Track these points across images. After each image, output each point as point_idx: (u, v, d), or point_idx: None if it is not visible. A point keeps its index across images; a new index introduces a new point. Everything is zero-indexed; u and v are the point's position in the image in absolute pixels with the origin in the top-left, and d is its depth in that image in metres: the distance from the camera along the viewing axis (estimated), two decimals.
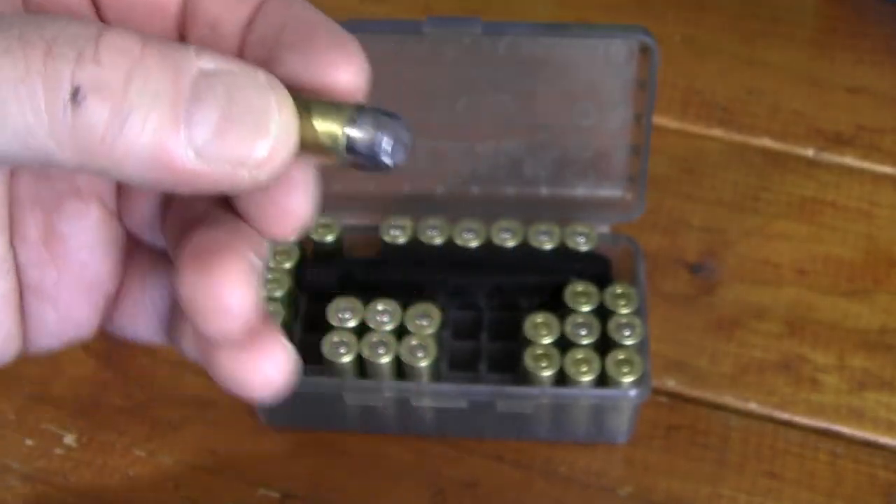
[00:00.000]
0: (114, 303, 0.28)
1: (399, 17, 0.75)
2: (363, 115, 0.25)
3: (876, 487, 0.52)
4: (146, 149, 0.22)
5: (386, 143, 0.25)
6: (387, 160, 0.25)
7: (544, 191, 0.59)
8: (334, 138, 0.25)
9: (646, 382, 0.51)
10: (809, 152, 0.68)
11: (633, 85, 0.55)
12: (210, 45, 0.26)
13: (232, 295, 0.24)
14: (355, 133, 0.25)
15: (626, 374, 0.51)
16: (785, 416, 0.55)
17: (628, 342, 0.52)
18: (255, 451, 0.54)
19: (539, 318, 0.53)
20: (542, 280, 0.55)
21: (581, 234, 0.57)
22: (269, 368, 0.27)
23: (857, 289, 0.60)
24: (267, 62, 0.25)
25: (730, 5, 0.77)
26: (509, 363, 0.54)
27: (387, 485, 0.53)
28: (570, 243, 0.57)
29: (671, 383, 0.56)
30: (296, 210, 0.26)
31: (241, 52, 0.26)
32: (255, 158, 0.23)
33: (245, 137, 0.23)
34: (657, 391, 0.56)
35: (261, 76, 0.24)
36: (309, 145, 0.25)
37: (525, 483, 0.52)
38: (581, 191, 0.59)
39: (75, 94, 0.22)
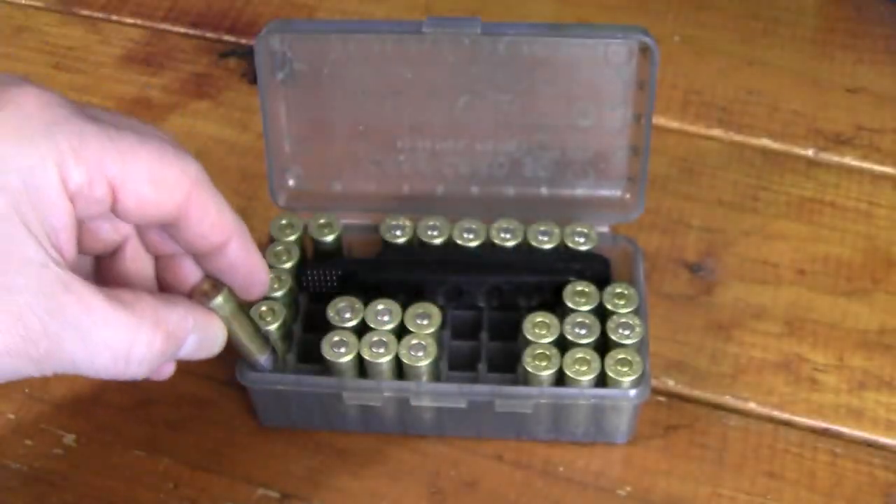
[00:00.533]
0: None
1: (399, 17, 0.75)
2: (271, 354, 0.50)
3: (875, 487, 0.52)
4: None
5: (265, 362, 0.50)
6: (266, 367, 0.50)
7: (544, 191, 0.59)
8: (251, 355, 0.48)
9: (645, 382, 0.51)
10: (809, 152, 0.68)
11: (633, 85, 0.55)
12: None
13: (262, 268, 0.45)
14: (262, 359, 0.50)
15: (625, 373, 0.51)
16: (784, 415, 0.55)
17: (628, 342, 0.52)
18: (255, 451, 0.54)
19: (539, 317, 0.53)
20: (542, 280, 0.55)
21: (581, 234, 0.57)
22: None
23: (856, 289, 0.60)
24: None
25: (730, 5, 0.77)
26: (509, 363, 0.54)
27: (386, 485, 0.53)
28: (570, 243, 0.57)
29: (670, 383, 0.56)
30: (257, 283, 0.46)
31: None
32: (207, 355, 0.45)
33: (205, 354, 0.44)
34: (656, 391, 0.56)
35: (219, 327, 0.44)
36: (239, 336, 0.47)
37: (524, 483, 0.53)
38: (581, 191, 0.59)
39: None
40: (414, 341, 0.52)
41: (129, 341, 0.38)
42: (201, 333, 0.42)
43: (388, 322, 0.52)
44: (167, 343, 0.39)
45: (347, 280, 0.55)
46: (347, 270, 0.55)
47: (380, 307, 0.53)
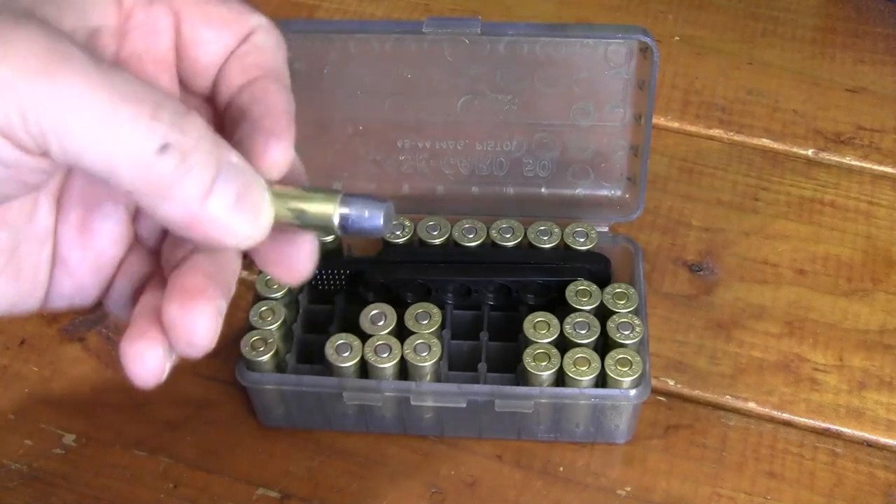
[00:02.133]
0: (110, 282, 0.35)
1: (399, 17, 0.75)
2: (349, 199, 0.33)
3: (875, 487, 0.52)
4: (186, 199, 0.29)
5: (370, 216, 0.33)
6: (374, 225, 0.32)
7: (544, 191, 0.59)
8: (327, 218, 0.32)
9: (645, 382, 0.51)
10: (809, 152, 0.68)
11: (633, 85, 0.55)
12: (193, 70, 0.35)
13: (201, 335, 0.31)
14: (345, 211, 0.32)
15: (625, 373, 0.51)
16: (784, 415, 0.55)
17: (628, 342, 0.52)
18: (255, 451, 0.54)
19: (539, 317, 0.53)
20: (542, 279, 0.55)
21: (581, 233, 0.57)
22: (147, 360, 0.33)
23: (856, 288, 0.60)
24: (228, 109, 0.34)
25: (730, 5, 0.77)
26: (509, 363, 0.54)
27: (386, 485, 0.53)
28: (570, 243, 0.57)
29: (670, 383, 0.56)
30: (299, 267, 0.34)
31: (216, 82, 0.35)
32: (242, 237, 0.31)
33: (243, 222, 0.30)
34: (656, 391, 0.56)
35: (262, 181, 0.31)
36: (308, 225, 0.32)
37: (524, 483, 0.53)
38: (581, 190, 0.59)
39: (164, 148, 0.29)
40: (419, 341, 0.52)
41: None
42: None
43: (388, 323, 0.52)
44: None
45: (349, 280, 0.55)
46: (348, 270, 0.55)
47: (380, 308, 0.53)
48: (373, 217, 0.33)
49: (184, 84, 0.36)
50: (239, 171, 0.31)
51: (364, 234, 0.32)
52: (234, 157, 0.31)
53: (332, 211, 0.33)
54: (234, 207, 0.30)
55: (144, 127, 0.29)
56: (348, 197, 0.33)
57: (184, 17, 0.35)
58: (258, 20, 0.37)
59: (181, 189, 0.29)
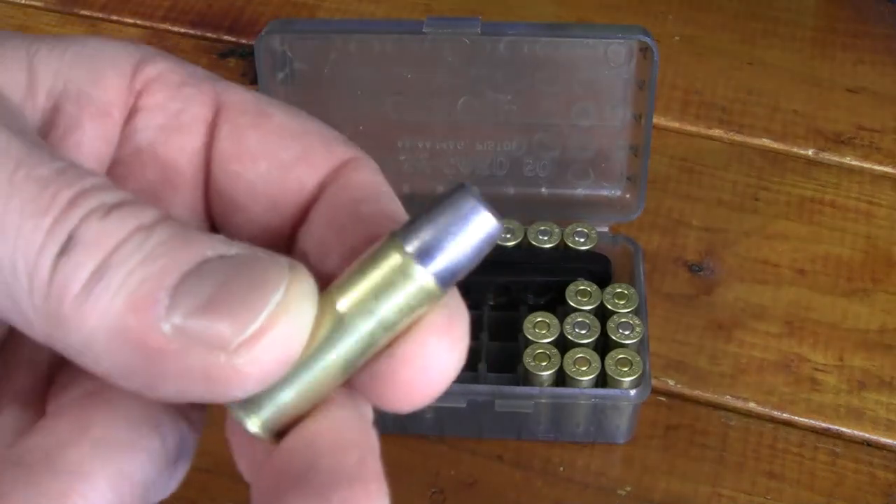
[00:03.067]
0: None
1: (399, 17, 0.75)
2: (410, 224, 0.21)
3: (875, 487, 0.52)
4: (116, 315, 0.20)
5: (457, 219, 0.20)
6: (483, 225, 0.20)
7: (544, 191, 0.59)
8: (402, 269, 0.20)
9: (645, 382, 0.51)
10: (809, 152, 0.68)
11: (633, 85, 0.55)
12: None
13: None
14: (417, 243, 0.20)
15: (625, 373, 0.51)
16: (784, 415, 0.55)
17: (628, 342, 0.52)
18: None
19: (539, 317, 0.53)
20: (542, 279, 0.55)
21: (581, 233, 0.57)
22: None
23: (856, 288, 0.60)
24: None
25: (730, 5, 0.77)
26: (509, 363, 0.54)
27: (386, 485, 0.52)
28: (570, 243, 0.57)
29: (670, 383, 0.56)
30: (421, 382, 0.21)
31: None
32: (237, 336, 0.20)
33: (230, 309, 0.20)
34: (656, 391, 0.56)
35: (285, 260, 0.20)
36: (397, 310, 0.21)
37: (524, 483, 0.53)
38: (581, 190, 0.59)
39: (66, 244, 0.20)
40: None
41: None
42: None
43: None
44: None
45: None
46: None
47: None
48: (463, 216, 0.20)
49: (219, 221, 0.25)
50: (233, 259, 0.20)
51: (479, 246, 0.21)
52: (228, 247, 0.20)
53: (399, 262, 0.20)
54: (208, 307, 0.19)
55: (51, 219, 0.20)
56: (414, 225, 0.21)
57: (229, 115, 0.25)
58: (352, 151, 0.25)
59: (104, 299, 0.20)
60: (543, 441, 0.54)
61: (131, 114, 0.25)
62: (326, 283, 0.21)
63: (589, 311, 0.53)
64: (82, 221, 0.20)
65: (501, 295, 0.56)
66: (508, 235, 0.57)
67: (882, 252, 0.62)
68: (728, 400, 0.56)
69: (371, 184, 0.24)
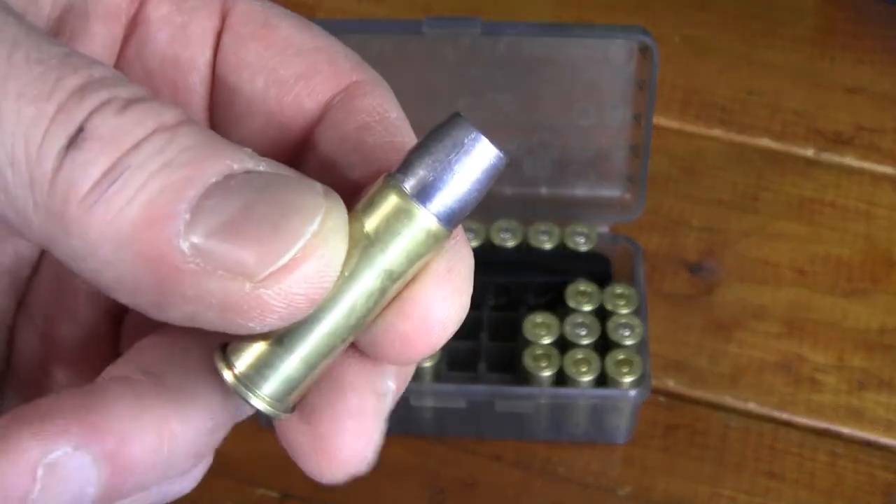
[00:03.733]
0: None
1: (399, 17, 0.75)
2: (405, 163, 0.19)
3: (875, 487, 0.52)
4: (130, 224, 0.17)
5: (458, 152, 0.19)
6: (484, 156, 0.19)
7: (544, 191, 0.59)
8: (404, 211, 0.19)
9: (645, 382, 0.51)
10: (809, 152, 0.68)
11: (633, 85, 0.55)
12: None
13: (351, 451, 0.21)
14: (416, 183, 0.19)
15: (625, 374, 0.51)
16: (784, 416, 0.55)
17: (628, 342, 0.52)
18: (255, 451, 0.54)
19: (539, 318, 0.53)
20: (542, 280, 0.55)
21: (581, 233, 0.57)
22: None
23: (856, 289, 0.60)
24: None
25: (730, 5, 0.77)
26: (509, 363, 0.54)
27: (387, 485, 0.53)
28: (570, 243, 0.57)
29: (670, 383, 0.56)
30: (419, 333, 0.20)
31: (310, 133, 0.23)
32: (267, 264, 0.18)
33: (259, 235, 0.18)
34: (656, 391, 0.56)
35: (319, 186, 0.19)
36: (404, 255, 0.19)
37: (524, 483, 0.53)
38: (581, 191, 0.59)
39: (75, 136, 0.17)
40: None
41: None
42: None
43: None
44: None
45: None
46: None
47: None
48: (464, 147, 0.19)
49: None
50: (260, 176, 0.18)
51: (482, 178, 0.19)
52: (257, 163, 0.18)
53: (399, 203, 0.19)
54: (230, 228, 0.18)
55: (55, 105, 0.18)
56: (411, 162, 0.19)
57: (233, 25, 0.23)
58: (376, 74, 0.24)
59: (114, 204, 0.17)
60: (543, 441, 0.54)
61: (135, 24, 0.23)
62: None
63: (589, 312, 0.53)
64: (95, 113, 0.18)
65: (501, 295, 0.56)
66: (508, 235, 0.57)
67: (882, 252, 0.62)
68: (728, 400, 0.56)
69: (378, 110, 0.22)
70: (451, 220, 0.19)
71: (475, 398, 0.51)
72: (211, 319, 0.18)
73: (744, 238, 0.63)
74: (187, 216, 0.17)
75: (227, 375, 0.20)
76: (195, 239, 0.17)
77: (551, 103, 0.57)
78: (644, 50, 0.53)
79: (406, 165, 0.19)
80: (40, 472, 0.19)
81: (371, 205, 0.19)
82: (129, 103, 0.18)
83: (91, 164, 0.17)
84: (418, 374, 0.51)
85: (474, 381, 0.53)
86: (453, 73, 0.56)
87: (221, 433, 0.22)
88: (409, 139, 0.22)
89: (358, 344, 0.20)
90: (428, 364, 0.51)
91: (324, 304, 0.19)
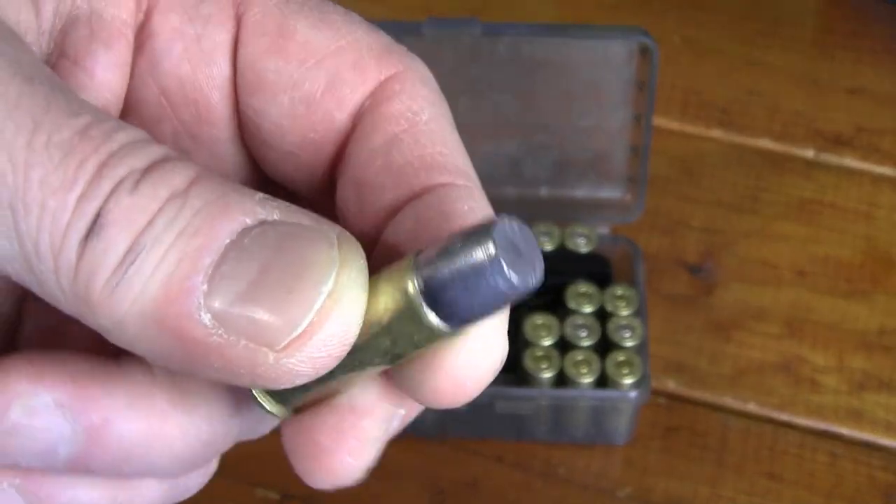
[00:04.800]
0: None
1: (399, 17, 0.75)
2: (428, 261, 0.18)
3: (875, 488, 0.52)
4: (151, 302, 0.18)
5: (474, 274, 0.18)
6: (498, 283, 0.18)
7: (544, 191, 0.59)
8: (403, 297, 0.18)
9: (646, 384, 0.51)
10: (809, 153, 0.68)
11: (633, 85, 0.55)
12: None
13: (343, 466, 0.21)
14: (425, 282, 0.18)
15: (625, 375, 0.51)
16: (784, 416, 0.55)
17: (628, 343, 0.52)
18: (255, 451, 0.54)
19: (539, 319, 0.53)
20: (548, 280, 0.55)
21: (581, 234, 0.57)
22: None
23: (856, 290, 0.60)
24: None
25: (730, 6, 0.77)
26: (509, 364, 0.53)
27: (387, 485, 0.53)
28: (570, 244, 0.57)
29: (670, 384, 0.56)
30: (467, 372, 0.20)
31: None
32: (285, 334, 0.18)
33: (279, 304, 0.18)
34: (656, 392, 0.56)
35: (332, 233, 0.18)
36: (406, 342, 0.19)
37: (524, 484, 0.53)
38: (581, 192, 0.59)
39: (93, 224, 0.18)
40: None
41: None
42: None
43: None
44: None
45: None
46: None
47: None
48: (481, 272, 0.18)
49: (256, 162, 0.23)
50: (274, 229, 0.18)
51: (491, 307, 0.18)
52: (269, 210, 0.18)
53: (407, 288, 0.18)
54: (250, 293, 0.18)
55: (75, 193, 0.18)
56: (434, 258, 0.18)
57: (249, 37, 0.22)
58: (408, 60, 0.22)
59: (136, 284, 0.18)
60: (543, 442, 0.54)
61: (144, 37, 0.22)
62: (364, 245, 0.19)
63: (589, 313, 0.53)
64: (111, 197, 0.18)
65: None
66: None
67: (882, 253, 0.62)
68: (728, 401, 0.56)
69: (406, 115, 0.21)
70: (458, 325, 0.19)
71: (476, 399, 0.51)
72: (243, 383, 0.19)
73: (743, 239, 0.63)
74: (205, 287, 0.18)
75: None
76: (216, 306, 0.18)
77: (551, 104, 0.57)
78: (644, 51, 0.53)
79: (428, 259, 0.19)
80: (16, 410, 0.19)
81: (390, 281, 0.19)
82: (143, 174, 0.18)
83: (109, 250, 0.18)
84: None
85: None
86: (453, 73, 0.56)
87: (215, 450, 0.22)
88: (442, 146, 0.21)
89: (402, 390, 0.21)
90: None
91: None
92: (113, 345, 0.20)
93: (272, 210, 0.18)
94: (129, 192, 0.18)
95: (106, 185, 0.18)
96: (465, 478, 0.53)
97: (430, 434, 0.54)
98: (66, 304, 0.19)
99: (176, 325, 0.18)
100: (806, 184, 0.66)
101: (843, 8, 0.77)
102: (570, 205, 0.59)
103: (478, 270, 0.18)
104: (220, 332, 0.18)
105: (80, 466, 0.20)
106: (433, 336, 0.19)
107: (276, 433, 0.57)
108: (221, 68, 0.22)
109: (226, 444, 0.22)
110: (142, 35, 0.22)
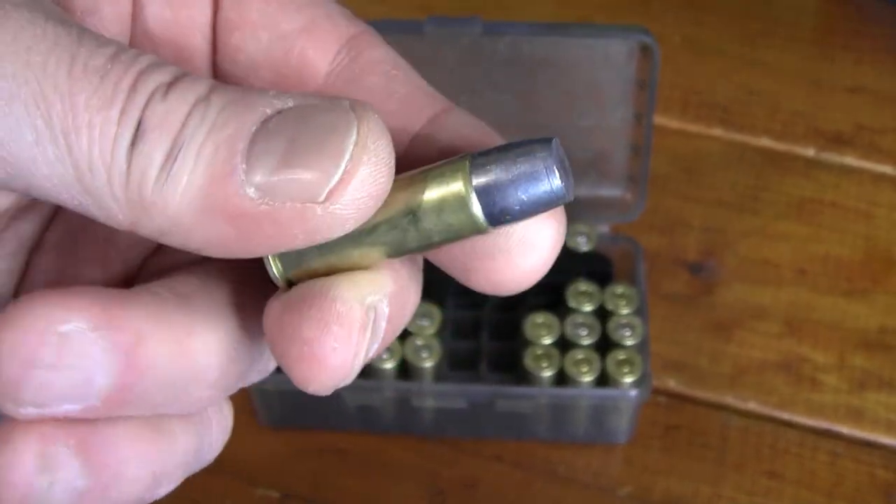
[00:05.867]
0: None
1: (399, 17, 0.75)
2: (483, 157, 0.20)
3: (875, 487, 0.52)
4: (198, 190, 0.20)
5: (528, 175, 0.20)
6: (548, 187, 0.20)
7: None
8: (457, 186, 0.20)
9: (646, 382, 0.51)
10: (809, 152, 0.68)
11: (633, 85, 0.55)
12: None
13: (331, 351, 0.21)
14: (482, 179, 0.20)
15: (626, 374, 0.51)
16: (785, 415, 0.55)
17: (628, 342, 0.52)
18: (255, 451, 0.54)
19: (539, 318, 0.53)
20: (543, 280, 0.55)
21: (582, 233, 0.57)
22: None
23: (856, 289, 0.60)
24: None
25: (730, 5, 0.77)
26: (509, 363, 0.54)
27: (387, 485, 0.53)
28: (571, 243, 0.57)
29: (671, 383, 0.56)
30: (528, 256, 0.22)
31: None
32: (325, 185, 0.20)
33: (313, 162, 0.20)
34: (657, 391, 0.56)
35: (345, 102, 0.21)
36: (443, 229, 0.21)
37: (525, 483, 0.53)
38: (581, 191, 0.59)
39: (137, 132, 0.20)
40: (419, 342, 0.52)
41: None
42: None
43: None
44: None
45: None
46: None
47: None
48: (536, 174, 0.20)
49: None
50: (294, 111, 0.20)
51: (537, 207, 0.20)
52: (285, 100, 0.20)
53: (462, 189, 0.20)
54: (285, 163, 0.20)
55: (118, 108, 0.20)
56: (483, 157, 0.20)
57: None
58: (366, 26, 0.25)
59: (182, 178, 0.20)
60: (544, 441, 0.54)
61: None
62: None
63: (589, 312, 0.53)
64: (147, 106, 0.20)
65: (501, 295, 0.55)
66: None
67: (882, 252, 0.62)
68: (728, 400, 0.56)
69: (392, 60, 0.24)
70: (496, 223, 0.21)
71: (476, 398, 0.51)
72: (299, 243, 0.21)
73: (744, 238, 0.63)
74: (244, 165, 0.20)
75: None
76: (258, 180, 0.20)
77: (551, 103, 0.57)
78: (644, 50, 0.53)
79: (484, 160, 0.21)
80: (52, 338, 0.20)
81: (441, 174, 0.21)
82: (169, 87, 0.20)
83: (154, 150, 0.20)
84: (418, 374, 0.51)
85: (475, 381, 0.53)
86: (453, 73, 0.56)
87: (236, 372, 0.23)
88: (425, 83, 0.24)
89: (461, 277, 0.22)
90: (428, 364, 0.51)
91: (360, 229, 0.21)
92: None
93: (286, 99, 0.20)
94: (160, 100, 0.20)
95: (140, 99, 0.20)
96: (465, 477, 0.53)
97: (430, 433, 0.54)
98: (123, 214, 0.20)
99: (225, 204, 0.20)
100: (806, 183, 0.66)
101: (843, 8, 0.77)
102: (571, 203, 0.58)
103: (534, 174, 0.20)
104: (266, 200, 0.20)
105: (119, 400, 0.21)
106: (473, 228, 0.21)
107: (275, 435, 0.57)
108: (203, 11, 0.24)
109: (242, 367, 0.23)
110: None
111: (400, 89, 0.23)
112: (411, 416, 0.53)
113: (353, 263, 0.22)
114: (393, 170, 0.20)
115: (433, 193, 0.21)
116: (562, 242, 0.23)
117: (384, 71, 0.24)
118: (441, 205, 0.21)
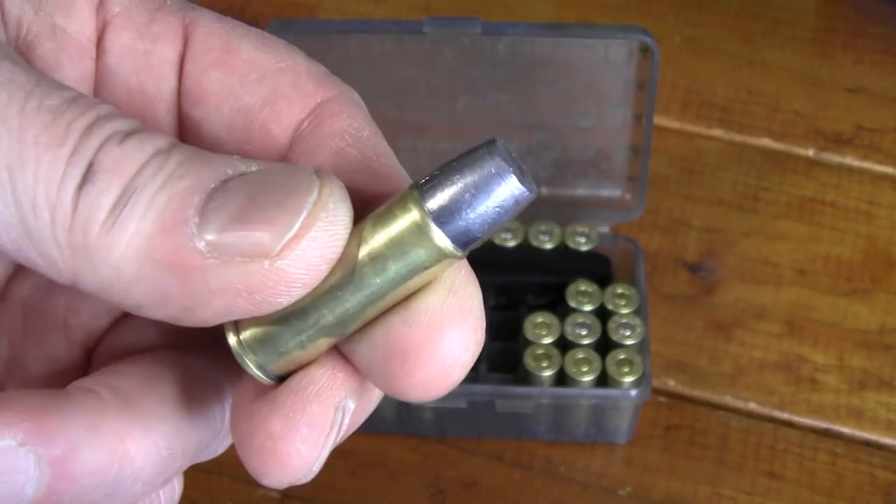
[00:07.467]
0: None
1: (399, 17, 0.75)
2: (432, 180, 0.19)
3: (875, 487, 0.52)
4: (146, 238, 0.19)
5: (481, 183, 0.19)
6: (507, 189, 0.19)
7: (545, 190, 0.59)
8: (420, 227, 0.19)
9: (646, 382, 0.51)
10: (809, 152, 0.68)
11: (633, 85, 0.55)
12: None
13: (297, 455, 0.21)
14: (437, 202, 0.19)
15: (626, 374, 0.51)
16: (784, 415, 0.55)
17: (628, 342, 0.52)
18: None
19: (539, 318, 0.53)
20: (542, 280, 0.55)
21: (581, 233, 0.57)
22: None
23: (856, 289, 0.60)
24: None
25: (730, 5, 0.77)
26: (509, 363, 0.54)
27: (387, 485, 0.53)
28: (571, 243, 0.57)
29: (671, 383, 0.56)
30: (436, 363, 0.20)
31: None
32: (278, 241, 0.19)
33: (269, 217, 0.19)
34: (657, 391, 0.56)
35: (310, 167, 0.20)
36: (412, 266, 0.20)
37: (525, 483, 0.53)
38: (581, 191, 0.59)
39: (87, 173, 0.19)
40: None
41: None
42: None
43: None
44: None
45: None
46: None
47: None
48: (488, 180, 0.19)
49: None
50: (256, 173, 0.20)
51: (501, 214, 0.19)
52: (248, 164, 0.20)
53: (417, 218, 0.19)
54: (239, 218, 0.19)
55: (68, 149, 0.19)
56: (428, 181, 0.19)
57: (195, 52, 0.23)
58: (342, 86, 0.24)
59: (130, 225, 0.19)
60: (544, 441, 0.54)
61: (99, 52, 0.23)
62: None
63: (589, 312, 0.53)
64: (101, 148, 0.19)
65: (502, 295, 0.56)
66: (509, 235, 0.57)
67: (882, 252, 0.62)
68: (728, 400, 0.56)
69: (349, 132, 0.22)
70: (463, 245, 0.20)
71: (476, 398, 0.51)
72: (242, 307, 0.19)
73: (744, 238, 0.63)
74: (196, 219, 0.19)
75: (232, 339, 0.21)
76: (209, 237, 0.19)
77: (551, 103, 0.57)
78: (644, 50, 0.53)
79: (431, 183, 0.19)
80: None
81: (389, 211, 0.20)
82: (128, 135, 0.20)
83: (103, 193, 0.19)
84: None
85: (475, 380, 0.53)
86: (453, 73, 0.56)
87: (177, 466, 0.22)
88: (386, 159, 0.22)
89: (378, 384, 0.21)
90: None
91: (320, 293, 0.20)
92: (60, 379, 0.21)
93: (250, 163, 0.20)
94: (117, 144, 0.19)
95: (95, 140, 0.19)
96: (464, 477, 0.53)
97: (429, 433, 0.54)
98: (64, 262, 0.19)
99: (172, 255, 0.19)
100: (806, 183, 0.66)
101: (843, 8, 0.77)
102: (571, 204, 0.59)
103: (487, 180, 0.19)
104: (215, 254, 0.19)
105: (49, 500, 0.20)
106: (440, 255, 0.20)
107: None
108: (167, 81, 0.23)
109: (184, 460, 0.22)
110: (97, 51, 0.24)
111: (346, 168, 0.22)
112: (411, 415, 0.53)
113: (321, 343, 0.21)
114: (348, 237, 0.20)
115: (390, 232, 0.20)
116: (474, 349, 0.21)
117: (335, 147, 0.22)
118: (401, 241, 0.20)
